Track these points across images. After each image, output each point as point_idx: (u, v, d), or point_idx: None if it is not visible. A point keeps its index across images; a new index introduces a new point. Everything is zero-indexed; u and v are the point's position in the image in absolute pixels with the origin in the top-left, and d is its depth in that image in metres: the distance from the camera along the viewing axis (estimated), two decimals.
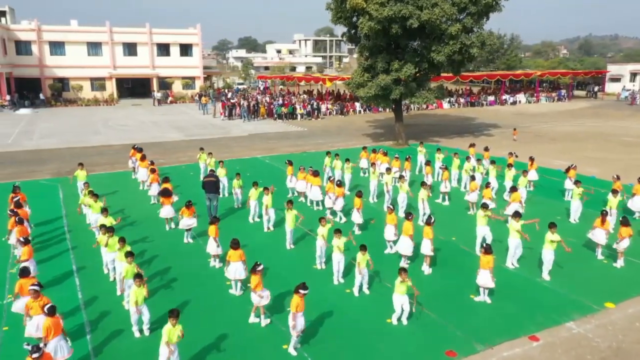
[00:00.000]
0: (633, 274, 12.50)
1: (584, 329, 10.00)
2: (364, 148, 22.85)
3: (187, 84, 61.39)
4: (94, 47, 57.03)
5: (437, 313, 10.60)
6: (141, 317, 9.40)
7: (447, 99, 54.53)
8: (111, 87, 57.67)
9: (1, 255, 13.48)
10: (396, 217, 13.70)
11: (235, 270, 10.96)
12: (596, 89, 65.77)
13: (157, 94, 56.93)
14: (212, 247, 12.70)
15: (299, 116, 43.81)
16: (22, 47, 54.36)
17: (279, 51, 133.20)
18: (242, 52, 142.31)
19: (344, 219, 16.27)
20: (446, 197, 18.48)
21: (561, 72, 65.07)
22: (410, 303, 10.04)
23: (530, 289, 11.69)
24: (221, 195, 18.66)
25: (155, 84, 58.62)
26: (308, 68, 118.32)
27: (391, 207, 14.07)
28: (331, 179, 17.41)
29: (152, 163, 19.87)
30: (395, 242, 13.46)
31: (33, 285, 8.80)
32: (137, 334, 9.56)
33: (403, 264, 12.94)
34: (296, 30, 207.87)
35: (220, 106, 45.50)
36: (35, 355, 7.04)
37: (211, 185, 15.99)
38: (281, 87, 68.87)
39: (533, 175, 19.55)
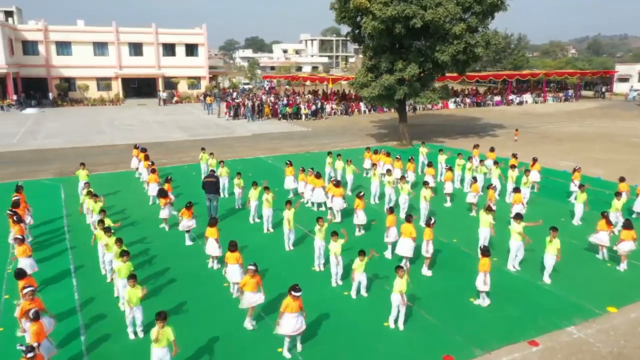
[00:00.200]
0: (636, 278, 12.29)
1: (585, 333, 9.82)
2: (367, 148, 22.72)
3: (193, 83, 61.49)
4: (100, 47, 57.26)
5: (436, 316, 10.46)
6: (135, 319, 9.32)
7: (453, 99, 54.25)
8: (117, 87, 57.88)
9: (1, 256, 13.48)
10: (396, 219, 13.51)
11: (232, 272, 10.89)
12: (604, 89, 65.21)
13: (163, 94, 57.07)
14: (211, 249, 12.62)
15: (303, 116, 43.72)
16: (29, 47, 54.67)
17: (285, 51, 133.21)
18: (248, 52, 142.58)
19: (338, 218, 16.15)
20: (448, 198, 18.31)
21: (568, 72, 64.54)
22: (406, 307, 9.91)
23: (531, 292, 11.52)
24: (222, 196, 18.66)
25: (160, 84, 58.78)
26: (314, 68, 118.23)
27: (391, 208, 13.91)
28: (332, 179, 17.28)
29: (152, 163, 19.81)
30: (394, 244, 13.32)
31: (28, 287, 8.75)
32: (131, 336, 9.50)
33: (403, 265, 12.82)
34: (303, 30, 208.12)
35: (224, 106, 45.51)
36: (29, 355, 7.05)
37: (211, 185, 15.92)
38: (287, 87, 68.88)
39: (535, 176, 19.32)
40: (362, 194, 14.92)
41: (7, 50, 49.00)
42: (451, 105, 53.63)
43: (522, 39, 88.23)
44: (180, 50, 60.67)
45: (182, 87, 61.03)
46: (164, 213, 15.36)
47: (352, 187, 19.58)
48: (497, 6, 27.38)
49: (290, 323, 8.87)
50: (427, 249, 12.36)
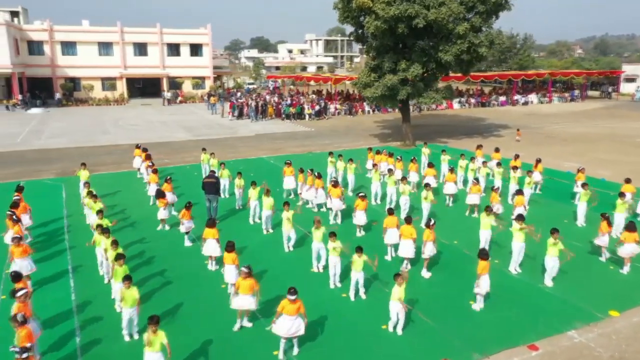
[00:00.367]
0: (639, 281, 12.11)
1: (586, 338, 9.66)
2: (370, 149, 22.59)
3: (197, 83, 61.55)
4: (105, 47, 57.41)
5: (435, 319, 10.33)
6: (130, 322, 9.26)
7: (458, 99, 53.98)
8: (122, 87, 58.01)
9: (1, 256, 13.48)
10: (397, 220, 13.37)
11: (228, 273, 10.82)
12: (610, 89, 64.64)
13: (167, 94, 57.16)
14: (209, 249, 12.55)
15: (306, 116, 43.62)
16: (35, 47, 54.89)
17: (290, 51, 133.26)
18: (254, 52, 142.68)
19: (338, 220, 16.04)
20: (450, 199, 18.16)
21: (574, 72, 64.06)
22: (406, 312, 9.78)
23: (532, 295, 11.37)
24: (222, 196, 18.60)
25: (165, 84, 58.85)
26: (319, 68, 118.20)
27: (390, 209, 13.77)
28: (331, 180, 17.16)
29: (152, 164, 19.75)
30: (396, 245, 13.21)
31: (21, 289, 8.70)
32: (126, 338, 9.43)
33: (405, 267, 12.72)
34: (308, 30, 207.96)
35: (228, 106, 45.50)
36: (24, 356, 7.04)
37: (211, 186, 15.86)
38: (291, 87, 68.80)
39: (537, 177, 19.12)
40: (363, 194, 14.81)
41: (12, 50, 49.20)
42: (456, 106, 53.35)
43: (528, 38, 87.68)
44: (184, 50, 60.74)
45: (187, 87, 61.10)
46: (162, 214, 15.30)
47: (354, 187, 19.45)
48: (502, 5, 27.21)
49: (285, 325, 8.78)
50: (425, 250, 12.22)
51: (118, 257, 10.28)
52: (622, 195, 14.55)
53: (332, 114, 46.30)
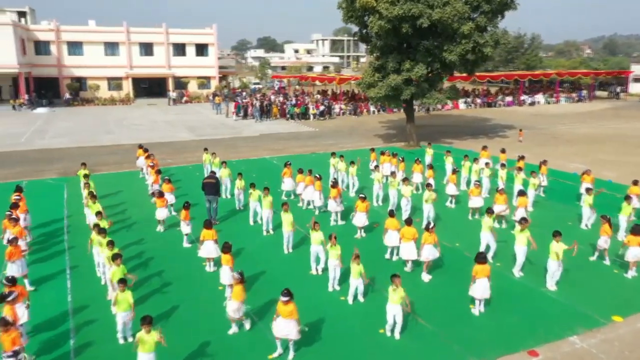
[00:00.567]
0: None
1: (588, 343, 9.45)
2: (372, 149, 22.41)
3: (203, 83, 61.59)
4: (111, 47, 57.59)
5: (434, 323, 10.16)
6: (124, 325, 9.16)
7: (464, 100, 53.67)
8: (127, 87, 58.16)
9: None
10: (397, 222, 13.18)
11: (223, 274, 10.72)
12: (619, 89, 64.01)
13: (172, 94, 57.24)
14: (207, 251, 12.44)
15: (311, 116, 43.49)
16: (41, 47, 55.17)
17: (296, 51, 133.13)
18: (260, 52, 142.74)
19: (338, 221, 15.88)
20: (453, 200, 17.97)
21: (582, 72, 63.50)
22: (404, 314, 9.60)
23: (533, 299, 11.16)
24: (224, 197, 18.52)
25: (171, 84, 58.94)
26: (325, 68, 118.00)
27: (391, 211, 13.60)
28: (331, 181, 16.97)
29: (153, 165, 19.68)
30: (396, 248, 13.05)
31: (12, 293, 8.63)
32: (121, 341, 9.34)
33: (407, 269, 12.57)
34: (315, 30, 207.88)
35: (232, 106, 45.47)
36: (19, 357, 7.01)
37: (211, 187, 15.76)
38: (296, 87, 68.69)
39: (542, 179, 18.87)
40: (363, 196, 14.66)
41: (19, 50, 49.44)
42: (462, 106, 53.03)
43: (536, 38, 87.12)
44: (190, 50, 60.81)
45: (192, 87, 61.17)
46: (160, 214, 15.20)
47: (356, 188, 19.30)
48: (507, 5, 26.97)
49: (279, 326, 8.68)
50: (422, 253, 12.04)
51: (115, 257, 10.20)
52: (628, 198, 14.26)
53: (337, 114, 46.15)
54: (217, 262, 12.27)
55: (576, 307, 10.76)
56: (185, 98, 58.77)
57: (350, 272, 10.73)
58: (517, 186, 17.34)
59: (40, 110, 48.50)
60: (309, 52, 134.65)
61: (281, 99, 50.35)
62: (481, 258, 10.40)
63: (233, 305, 9.43)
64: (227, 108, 46.01)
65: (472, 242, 13.85)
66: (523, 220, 12.19)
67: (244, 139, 33.22)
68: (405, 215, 15.45)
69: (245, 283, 9.56)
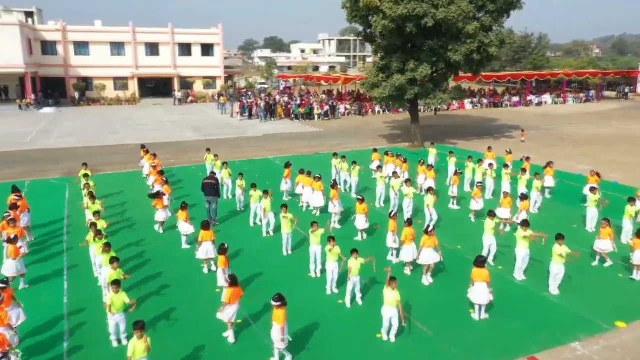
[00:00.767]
0: None
1: (590, 350, 9.23)
2: (375, 150, 22.25)
3: (208, 83, 61.64)
4: (117, 47, 57.75)
5: (433, 328, 9.99)
6: (118, 327, 9.08)
7: (470, 100, 53.32)
8: (133, 87, 58.31)
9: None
10: (396, 224, 13.00)
11: (220, 276, 10.62)
12: (627, 89, 63.36)
13: (178, 94, 57.32)
14: (205, 252, 12.35)
15: (316, 116, 43.36)
16: (48, 47, 55.41)
17: (302, 51, 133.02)
18: (267, 52, 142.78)
19: (336, 225, 15.74)
20: (455, 202, 17.76)
21: (590, 72, 62.89)
22: (399, 318, 9.45)
23: (535, 304, 10.95)
24: (225, 197, 18.45)
25: (176, 84, 59.03)
26: (332, 68, 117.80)
27: (393, 213, 13.42)
28: (331, 183, 16.81)
29: (154, 166, 19.62)
30: (397, 250, 12.90)
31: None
32: (114, 344, 9.25)
33: (406, 271, 12.42)
34: (322, 30, 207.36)
35: (237, 106, 45.43)
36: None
37: (210, 188, 15.66)
38: (302, 87, 68.58)
39: (549, 181, 18.63)
40: (360, 198, 14.52)
41: (25, 50, 49.69)
42: (468, 106, 52.68)
43: (543, 38, 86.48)
44: (196, 50, 60.86)
45: (198, 87, 61.23)
46: (159, 215, 15.12)
47: (358, 189, 19.16)
48: (513, 4, 26.70)
49: (272, 331, 8.57)
50: (420, 257, 11.87)
51: (112, 261, 10.12)
52: (632, 200, 13.99)
53: (341, 115, 45.99)
54: (216, 263, 12.16)
55: (578, 312, 10.54)
56: (190, 98, 58.84)
57: (349, 270, 10.57)
58: (521, 188, 17.12)
59: (47, 110, 48.73)
60: (315, 52, 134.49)
61: (286, 99, 50.25)
62: (479, 262, 10.22)
63: (225, 309, 9.31)
64: (232, 108, 45.99)
65: (474, 245, 13.67)
66: (524, 223, 11.96)
67: (248, 139, 33.15)
68: (406, 216, 15.27)
69: (237, 287, 9.36)
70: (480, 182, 17.27)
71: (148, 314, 10.29)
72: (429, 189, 15.55)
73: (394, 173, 17.46)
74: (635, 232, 12.32)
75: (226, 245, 10.86)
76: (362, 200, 14.35)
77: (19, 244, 11.75)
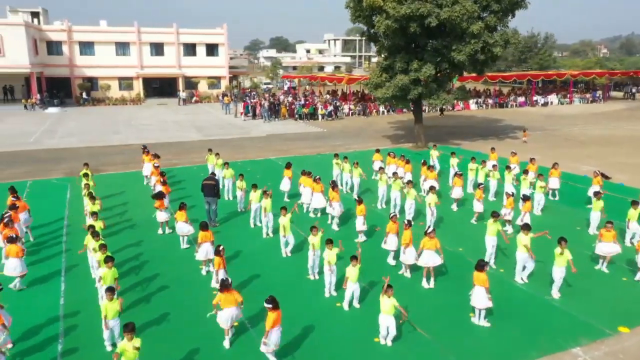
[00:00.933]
0: None
1: (592, 356, 9.05)
2: (377, 150, 22.09)
3: (213, 83, 61.67)
4: (122, 47, 57.88)
5: (431, 332, 9.83)
6: (112, 332, 8.99)
7: (475, 100, 53.01)
8: (138, 87, 58.41)
9: None
10: (397, 226, 12.84)
11: (213, 278, 10.53)
12: (634, 90, 62.76)
13: (182, 94, 57.39)
14: (202, 254, 12.25)
15: (320, 117, 43.24)
16: (53, 47, 55.61)
17: (308, 51, 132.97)
18: (272, 52, 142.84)
19: (335, 226, 15.59)
20: (455, 203, 17.56)
21: (596, 72, 62.31)
22: (397, 326, 9.31)
23: (536, 308, 10.76)
24: (226, 198, 18.37)
25: (181, 84, 59.10)
26: (337, 68, 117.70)
27: (395, 215, 13.25)
28: (331, 183, 16.66)
29: (157, 167, 19.55)
30: (396, 253, 12.75)
31: None
32: (108, 348, 9.14)
33: (406, 274, 12.27)
34: (328, 30, 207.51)
35: (241, 106, 45.40)
36: None
37: (210, 188, 15.55)
38: (306, 87, 68.45)
39: (555, 183, 18.41)
40: (359, 199, 14.39)
41: (31, 51, 49.88)
42: (473, 106, 52.37)
43: (549, 38, 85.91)
44: (200, 50, 60.91)
45: (202, 87, 61.27)
46: (161, 216, 15.05)
47: (360, 191, 19.01)
48: (517, 4, 26.46)
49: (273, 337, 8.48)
50: (420, 259, 11.72)
51: (107, 260, 10.05)
52: (635, 203, 13.74)
53: (345, 115, 45.85)
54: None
55: (580, 316, 10.35)
56: (195, 98, 58.88)
57: (348, 276, 10.44)
58: (523, 190, 16.93)
59: (52, 110, 48.89)
60: (321, 52, 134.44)
61: (290, 99, 50.16)
62: (478, 265, 10.06)
63: (220, 314, 9.20)
64: (235, 108, 45.95)
65: (476, 247, 13.52)
66: (525, 227, 11.77)
67: (251, 140, 33.07)
68: (408, 218, 15.09)
69: (229, 291, 9.22)
70: (482, 183, 17.07)
71: (144, 316, 10.25)
72: (431, 188, 15.39)
73: (394, 174, 17.29)
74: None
75: (221, 247, 10.74)
76: (360, 201, 14.21)
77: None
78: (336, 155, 20.40)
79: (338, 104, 46.16)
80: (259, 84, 78.18)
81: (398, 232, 12.74)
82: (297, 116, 43.37)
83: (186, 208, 14.07)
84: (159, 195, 15.20)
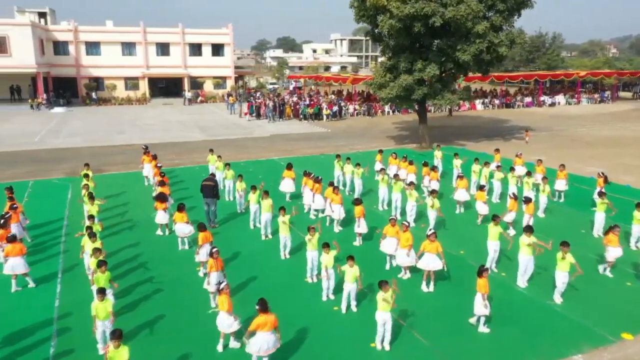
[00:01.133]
0: None
1: None
2: (380, 151, 21.90)
3: (218, 83, 61.67)
4: (128, 47, 57.99)
5: (429, 337, 9.65)
6: (104, 334, 8.88)
7: (481, 100, 52.63)
8: (144, 87, 58.52)
9: None
10: (397, 229, 12.64)
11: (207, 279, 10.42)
12: None
13: (188, 94, 57.42)
14: (203, 255, 12.12)
15: (324, 117, 43.07)
16: (60, 47, 55.79)
17: (314, 51, 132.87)
18: (279, 52, 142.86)
19: (336, 229, 15.41)
20: (461, 207, 17.33)
21: (605, 72, 61.67)
22: (393, 322, 9.13)
23: (537, 313, 10.55)
24: (227, 199, 18.25)
25: (186, 84, 59.14)
26: (343, 68, 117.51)
27: (394, 218, 13.06)
28: (329, 182, 16.48)
29: (159, 167, 19.50)
30: (394, 256, 12.56)
31: None
32: (101, 352, 9.04)
33: (404, 276, 12.10)
34: (334, 30, 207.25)
35: (246, 106, 45.33)
36: None
37: (209, 189, 15.44)
38: (312, 87, 68.33)
39: (561, 184, 18.14)
40: (357, 200, 14.22)
41: (38, 51, 50.08)
42: (479, 107, 51.99)
43: (557, 38, 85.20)
44: (206, 50, 60.90)
45: (208, 87, 61.28)
46: (160, 218, 14.94)
47: (362, 192, 18.81)
48: (523, 3, 26.17)
49: (257, 341, 8.27)
50: (420, 262, 11.53)
51: (100, 265, 9.96)
52: (638, 205, 13.46)
53: (350, 115, 45.66)
54: None
55: (583, 322, 10.13)
56: (200, 98, 58.90)
57: (344, 277, 10.27)
58: (526, 192, 16.68)
59: (58, 109, 49.06)
60: (327, 52, 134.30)
61: (295, 99, 50.03)
62: (478, 271, 9.85)
63: (219, 317, 9.06)
64: (240, 108, 45.89)
65: (478, 250, 13.30)
66: (528, 229, 11.55)
67: (255, 140, 32.97)
68: (408, 220, 14.91)
69: (222, 294, 9.08)
70: (484, 185, 16.83)
71: (143, 316, 10.19)
72: (433, 191, 15.18)
73: (395, 175, 17.10)
74: None
75: (215, 249, 10.60)
76: (358, 203, 14.05)
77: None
78: (338, 156, 20.21)
79: (343, 104, 45.98)
80: (265, 84, 78.13)
81: (398, 236, 12.53)
82: (301, 116, 43.24)
83: (185, 209, 13.95)
84: (161, 197, 15.08)
